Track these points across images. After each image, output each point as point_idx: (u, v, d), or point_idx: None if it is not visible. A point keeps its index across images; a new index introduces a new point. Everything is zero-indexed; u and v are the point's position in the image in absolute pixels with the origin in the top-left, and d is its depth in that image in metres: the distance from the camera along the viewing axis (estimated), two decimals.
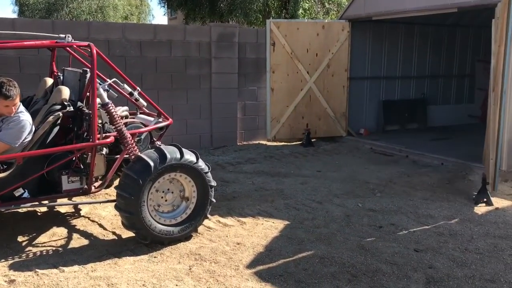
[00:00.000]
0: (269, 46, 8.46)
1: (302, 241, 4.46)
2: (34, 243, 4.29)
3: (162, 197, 4.33)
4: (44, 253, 4.09)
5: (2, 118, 4.12)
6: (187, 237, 4.42)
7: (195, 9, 16.85)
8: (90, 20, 20.04)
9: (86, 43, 4.41)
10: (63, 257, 4.03)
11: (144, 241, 4.26)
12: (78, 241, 4.35)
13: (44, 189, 4.31)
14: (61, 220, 4.83)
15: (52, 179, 4.33)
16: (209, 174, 4.47)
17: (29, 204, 4.23)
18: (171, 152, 4.26)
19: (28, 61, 7.02)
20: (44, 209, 5.08)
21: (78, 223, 4.79)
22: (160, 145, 4.64)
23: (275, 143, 8.89)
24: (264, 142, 9.00)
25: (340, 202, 5.52)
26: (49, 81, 4.91)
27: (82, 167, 4.38)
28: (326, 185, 6.24)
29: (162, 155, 4.22)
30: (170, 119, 5.16)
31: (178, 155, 4.28)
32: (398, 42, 9.92)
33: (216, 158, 7.77)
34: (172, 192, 4.38)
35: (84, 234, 4.52)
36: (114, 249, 4.22)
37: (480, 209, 5.40)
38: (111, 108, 4.32)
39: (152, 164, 4.13)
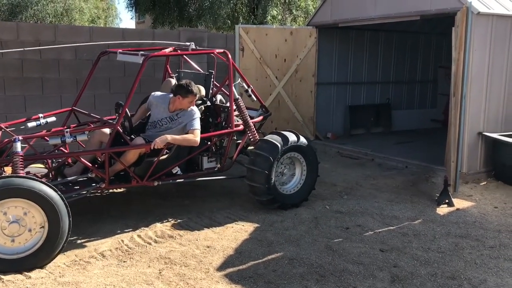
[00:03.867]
0: (238, 51, 8.53)
1: (272, 243, 4.52)
2: None
3: (281, 172, 5.42)
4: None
5: (177, 113, 5.06)
6: (302, 202, 5.54)
7: (163, 14, 16.74)
8: (56, 23, 19.66)
9: (222, 50, 5.50)
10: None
11: (272, 205, 5.32)
12: None
13: (189, 167, 5.34)
14: None
15: (195, 160, 5.32)
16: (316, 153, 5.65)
17: (181, 180, 5.22)
18: (290, 135, 5.37)
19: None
20: None
21: None
22: (264, 132, 5.95)
23: None
24: None
25: (308, 205, 5.62)
26: (173, 81, 5.79)
27: (214, 150, 5.40)
28: None
29: (285, 138, 5.31)
30: (270, 111, 6.18)
31: (296, 138, 5.39)
32: (364, 49, 10.14)
33: None
34: (288, 168, 5.50)
35: None
36: (82, 253, 4.18)
37: (442, 210, 5.60)
38: (240, 102, 5.45)
39: (279, 145, 5.21)
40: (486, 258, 4.29)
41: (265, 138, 5.38)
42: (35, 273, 3.77)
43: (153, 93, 5.38)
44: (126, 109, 4.88)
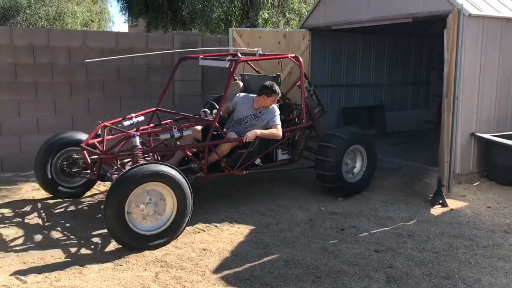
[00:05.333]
0: None
1: (267, 245, 4.54)
2: None
3: (345, 163, 6.00)
4: (4, 263, 4.00)
5: (260, 110, 5.66)
6: (363, 190, 6.19)
7: (157, 17, 16.70)
8: (49, 27, 19.60)
9: (294, 55, 6.12)
10: (25, 266, 3.95)
11: (339, 192, 5.98)
12: (40, 247, 4.26)
13: (265, 159, 5.90)
14: (20, 226, 4.72)
15: (270, 152, 5.90)
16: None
17: (261, 170, 5.88)
18: (355, 129, 6.13)
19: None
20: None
21: (38, 228, 4.69)
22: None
23: None
24: None
25: (304, 206, 5.64)
26: (241, 83, 6.53)
27: (286, 143, 6.00)
28: (290, 190, 6.35)
29: (350, 132, 6.03)
30: (326, 110, 6.94)
31: (359, 132, 6.14)
32: (357, 51, 10.20)
33: None
34: (351, 159, 6.10)
35: (47, 240, 4.44)
36: (78, 257, 4.17)
37: (436, 210, 5.64)
38: (308, 101, 6.17)
39: (346, 138, 5.92)
40: (480, 258, 4.32)
41: (333, 132, 6.04)
42: (31, 278, 3.76)
43: (238, 94, 6.05)
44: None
